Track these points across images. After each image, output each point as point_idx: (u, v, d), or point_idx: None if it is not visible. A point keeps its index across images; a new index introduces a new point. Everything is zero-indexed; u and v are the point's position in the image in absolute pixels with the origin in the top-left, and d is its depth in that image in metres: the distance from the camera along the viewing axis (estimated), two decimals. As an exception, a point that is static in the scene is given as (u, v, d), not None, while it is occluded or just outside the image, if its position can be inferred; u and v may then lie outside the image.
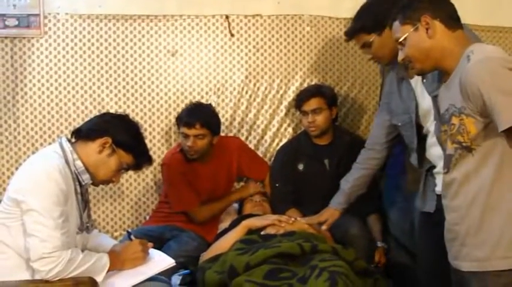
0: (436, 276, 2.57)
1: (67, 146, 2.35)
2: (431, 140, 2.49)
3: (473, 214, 2.03)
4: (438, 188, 2.44)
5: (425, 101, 2.56)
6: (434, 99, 2.27)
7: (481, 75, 1.92)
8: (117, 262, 2.41)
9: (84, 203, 2.45)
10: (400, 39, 2.15)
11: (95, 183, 2.47)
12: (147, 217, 3.65)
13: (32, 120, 3.52)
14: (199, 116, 3.34)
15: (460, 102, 1.99)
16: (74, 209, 2.33)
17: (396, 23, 2.18)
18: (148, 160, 2.53)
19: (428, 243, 2.61)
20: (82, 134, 2.41)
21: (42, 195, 2.17)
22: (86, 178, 2.37)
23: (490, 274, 2.01)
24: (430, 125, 2.54)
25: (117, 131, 2.40)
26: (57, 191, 2.19)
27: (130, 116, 3.52)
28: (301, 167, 3.54)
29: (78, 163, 2.34)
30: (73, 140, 2.42)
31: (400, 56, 2.20)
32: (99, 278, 2.28)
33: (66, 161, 2.31)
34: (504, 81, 1.90)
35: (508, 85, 1.90)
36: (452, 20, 2.12)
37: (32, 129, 3.52)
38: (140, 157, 2.47)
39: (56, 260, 2.13)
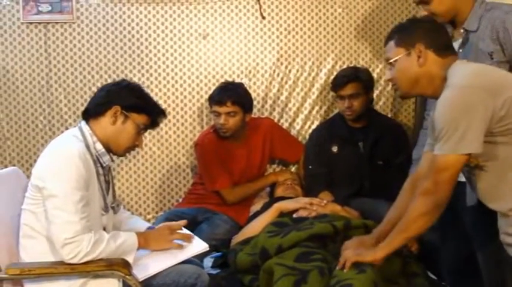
0: (459, 259, 2.55)
1: (86, 130, 2.36)
2: None
3: None
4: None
5: None
6: None
7: (439, 109, 1.97)
8: (142, 240, 2.41)
9: (107, 184, 2.45)
10: (391, 60, 2.16)
11: (120, 154, 2.46)
12: (180, 200, 3.67)
13: (65, 105, 3.56)
14: (230, 94, 3.35)
15: None
16: (97, 192, 2.34)
17: (391, 43, 2.18)
18: (162, 113, 2.51)
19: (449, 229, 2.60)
20: (91, 112, 2.41)
21: (61, 181, 2.17)
22: (106, 159, 2.38)
23: None
24: None
25: (122, 97, 2.39)
26: (77, 176, 2.19)
27: (163, 100, 3.59)
28: (335, 149, 3.50)
29: (98, 145, 2.34)
30: (84, 121, 2.42)
31: (387, 76, 2.23)
32: (129, 259, 2.28)
33: (87, 145, 2.31)
34: (455, 110, 1.93)
35: (456, 111, 1.93)
36: (445, 49, 2.13)
37: (66, 113, 3.57)
38: (153, 113, 2.46)
39: (79, 244, 2.13)
